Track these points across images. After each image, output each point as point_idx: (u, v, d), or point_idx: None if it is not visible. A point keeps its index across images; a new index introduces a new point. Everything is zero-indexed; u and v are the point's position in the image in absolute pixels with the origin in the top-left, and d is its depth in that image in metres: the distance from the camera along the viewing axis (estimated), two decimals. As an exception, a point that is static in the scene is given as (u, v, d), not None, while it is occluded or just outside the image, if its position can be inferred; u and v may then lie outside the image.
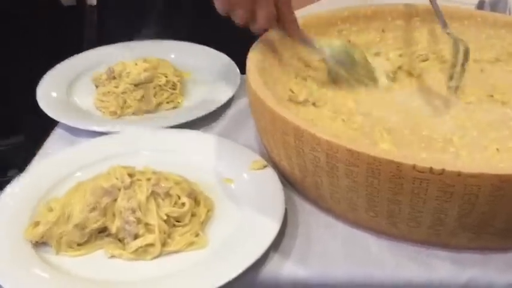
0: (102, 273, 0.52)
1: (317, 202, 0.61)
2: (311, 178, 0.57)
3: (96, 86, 0.82)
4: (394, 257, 0.54)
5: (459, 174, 0.47)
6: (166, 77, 0.79)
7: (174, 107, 0.79)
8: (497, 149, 0.61)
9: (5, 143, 1.31)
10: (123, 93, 0.76)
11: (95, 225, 0.54)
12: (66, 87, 0.83)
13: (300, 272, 0.53)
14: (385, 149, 0.60)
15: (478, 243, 0.54)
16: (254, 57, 0.67)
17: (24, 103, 1.27)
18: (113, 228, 0.54)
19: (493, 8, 1.04)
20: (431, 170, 0.47)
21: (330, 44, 0.72)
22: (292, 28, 0.68)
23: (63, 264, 0.53)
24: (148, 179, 0.56)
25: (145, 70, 0.77)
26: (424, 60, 0.79)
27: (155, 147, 0.69)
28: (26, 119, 1.30)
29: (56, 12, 1.07)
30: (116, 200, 0.55)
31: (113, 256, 0.54)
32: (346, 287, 0.53)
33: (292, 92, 0.70)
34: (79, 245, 0.54)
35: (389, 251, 0.55)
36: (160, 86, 0.78)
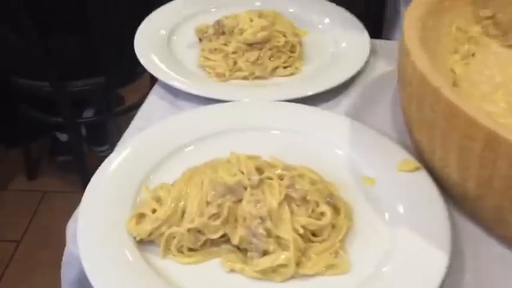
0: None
1: (490, 227, 0.47)
2: (494, 198, 0.43)
3: (200, 40, 0.69)
4: None
5: None
6: (284, 36, 0.66)
7: (292, 74, 0.66)
8: None
9: (83, 83, 1.23)
10: (233, 53, 0.63)
11: (215, 235, 0.43)
12: (166, 37, 0.71)
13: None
14: None
15: None
16: (413, 23, 0.52)
17: (108, 44, 1.19)
18: (235, 239, 0.43)
19: None
20: None
21: None
22: None
23: (170, 272, 0.43)
24: (281, 178, 0.44)
25: (262, 29, 0.63)
26: None
27: (273, 126, 0.56)
28: (109, 60, 1.22)
29: None
30: (240, 200, 0.43)
31: (232, 270, 0.43)
32: None
33: (454, 72, 0.55)
34: (191, 250, 0.44)
35: None
36: (277, 47, 0.65)
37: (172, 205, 0.44)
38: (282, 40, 0.65)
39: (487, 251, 0.45)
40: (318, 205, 0.44)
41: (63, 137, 1.52)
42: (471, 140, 0.42)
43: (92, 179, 0.49)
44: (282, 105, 0.58)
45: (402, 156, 0.51)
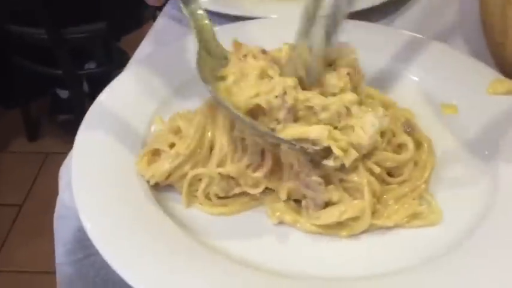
0: (261, 250, 0.30)
1: None
2: None
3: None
4: None
5: None
6: None
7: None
8: None
9: (83, 29, 1.10)
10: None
11: (255, 191, 0.31)
12: None
13: None
14: None
15: None
16: None
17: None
18: (283, 194, 0.31)
19: None
20: None
21: None
22: None
23: (197, 225, 0.32)
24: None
25: None
26: None
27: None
28: (111, 2, 1.09)
29: None
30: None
31: (281, 223, 0.32)
32: None
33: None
34: (221, 198, 0.33)
35: None
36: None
37: (197, 136, 0.32)
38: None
39: None
40: (394, 135, 0.33)
41: (63, 93, 1.41)
42: None
43: (89, 110, 0.38)
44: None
45: (490, 76, 0.39)
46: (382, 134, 0.32)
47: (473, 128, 0.37)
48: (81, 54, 1.31)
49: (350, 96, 0.30)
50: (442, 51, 0.42)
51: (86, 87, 1.41)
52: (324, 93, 0.31)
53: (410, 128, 0.34)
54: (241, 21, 0.46)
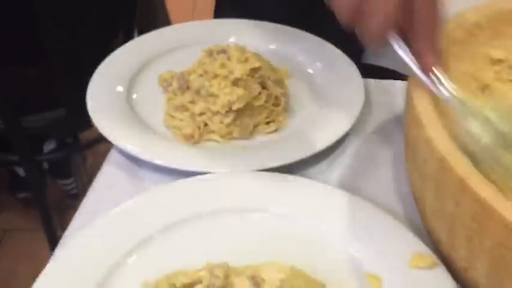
0: None
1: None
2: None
3: (164, 91, 0.59)
4: None
5: None
6: (265, 89, 0.56)
7: (276, 130, 0.56)
8: None
9: (41, 117, 1.11)
10: (201, 114, 0.53)
11: None
12: (127, 84, 0.60)
13: None
14: None
15: None
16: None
17: (67, 74, 1.07)
18: None
19: None
20: None
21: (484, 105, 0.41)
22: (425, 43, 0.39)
23: None
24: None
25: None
26: None
27: (253, 207, 0.47)
28: (69, 91, 1.10)
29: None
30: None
31: None
32: None
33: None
34: None
35: None
36: (258, 101, 0.55)
37: None
38: (263, 98, 0.55)
39: None
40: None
41: (22, 171, 1.40)
42: (509, 250, 0.33)
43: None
44: (264, 178, 0.48)
45: (415, 247, 0.42)
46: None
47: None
48: (41, 135, 1.31)
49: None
50: (372, 215, 0.45)
51: (45, 163, 1.40)
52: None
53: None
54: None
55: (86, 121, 1.20)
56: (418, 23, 0.39)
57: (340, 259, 0.43)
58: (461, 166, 0.35)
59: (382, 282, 0.41)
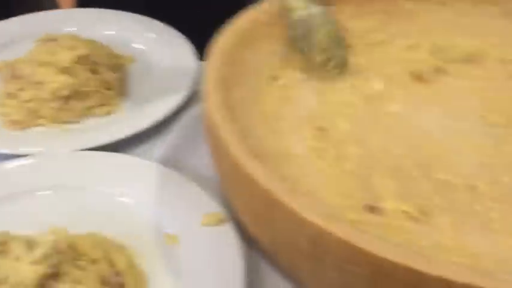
0: None
1: (291, 275, 0.44)
2: (287, 256, 0.40)
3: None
4: None
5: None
6: (96, 73, 0.59)
7: (108, 112, 0.60)
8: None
9: None
10: (30, 100, 0.56)
11: None
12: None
13: None
14: (391, 210, 0.43)
15: None
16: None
17: None
18: None
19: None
20: None
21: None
22: None
23: None
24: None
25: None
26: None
27: (69, 182, 0.50)
28: None
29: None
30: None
31: None
32: None
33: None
34: None
35: None
36: (89, 86, 0.58)
37: None
38: (92, 84, 0.58)
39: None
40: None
41: None
42: (256, 201, 0.38)
43: None
44: (81, 156, 0.52)
45: (208, 207, 0.47)
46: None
47: (187, 259, 0.44)
48: None
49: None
50: (175, 182, 0.49)
51: None
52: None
53: (115, 278, 0.40)
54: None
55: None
56: None
57: (144, 224, 0.47)
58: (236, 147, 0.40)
59: (178, 239, 0.46)
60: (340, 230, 0.33)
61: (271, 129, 0.47)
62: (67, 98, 0.57)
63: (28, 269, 0.37)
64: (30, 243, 0.39)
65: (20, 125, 0.55)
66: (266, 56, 0.54)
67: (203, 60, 0.65)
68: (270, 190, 0.35)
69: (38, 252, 0.38)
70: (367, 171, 0.44)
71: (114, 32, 0.69)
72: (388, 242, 0.34)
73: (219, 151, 0.42)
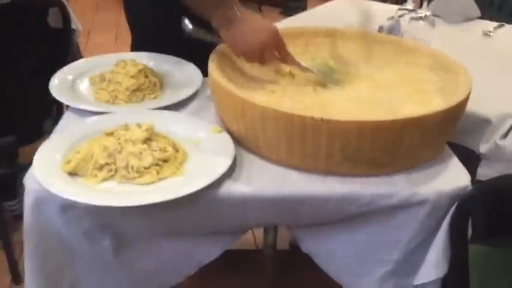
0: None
1: (256, 152, 0.92)
2: (252, 132, 0.88)
3: (92, 85, 1.11)
4: (301, 179, 0.86)
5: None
6: (147, 77, 1.10)
7: (155, 97, 1.09)
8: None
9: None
10: (112, 91, 1.06)
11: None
12: (70, 84, 1.11)
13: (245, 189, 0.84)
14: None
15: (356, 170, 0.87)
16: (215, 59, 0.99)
17: (16, 101, 1.44)
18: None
19: (390, 32, 1.40)
20: (321, 119, 0.80)
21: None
22: (290, 60, 1.03)
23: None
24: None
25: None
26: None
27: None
28: (18, 117, 1.47)
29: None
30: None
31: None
32: (272, 198, 0.84)
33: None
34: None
35: (299, 176, 0.87)
36: (144, 85, 1.08)
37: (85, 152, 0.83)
38: (146, 84, 1.09)
39: (256, 164, 0.90)
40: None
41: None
42: (234, 105, 0.87)
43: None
44: (147, 111, 1.01)
45: (213, 125, 0.95)
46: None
47: (205, 147, 0.93)
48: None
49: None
50: (198, 120, 0.99)
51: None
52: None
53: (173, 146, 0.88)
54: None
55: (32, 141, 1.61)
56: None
57: (184, 135, 0.95)
58: (224, 82, 0.90)
59: (200, 141, 0.93)
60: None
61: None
62: (133, 90, 1.06)
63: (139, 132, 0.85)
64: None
65: (109, 102, 1.04)
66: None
67: (204, 76, 1.16)
68: (240, 96, 0.85)
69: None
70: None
71: (152, 63, 1.20)
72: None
73: (216, 89, 0.92)
